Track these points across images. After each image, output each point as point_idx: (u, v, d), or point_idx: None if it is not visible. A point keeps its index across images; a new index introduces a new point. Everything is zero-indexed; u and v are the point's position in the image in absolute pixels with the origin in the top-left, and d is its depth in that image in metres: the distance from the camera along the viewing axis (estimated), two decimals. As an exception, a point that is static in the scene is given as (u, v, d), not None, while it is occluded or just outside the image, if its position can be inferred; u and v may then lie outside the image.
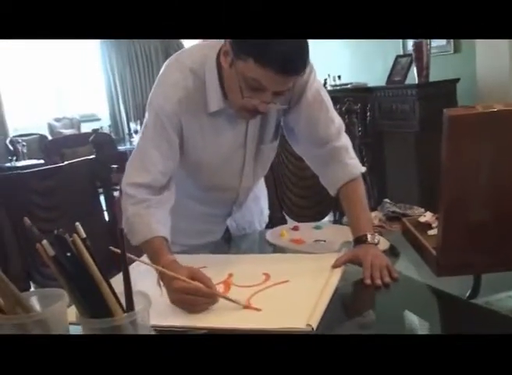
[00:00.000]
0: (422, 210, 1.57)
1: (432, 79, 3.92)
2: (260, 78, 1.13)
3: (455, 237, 1.04)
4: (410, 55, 4.15)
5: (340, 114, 2.11)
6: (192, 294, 1.05)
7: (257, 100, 1.18)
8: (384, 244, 1.33)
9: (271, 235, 1.51)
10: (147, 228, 1.22)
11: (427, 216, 1.42)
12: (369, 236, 1.25)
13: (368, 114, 4.13)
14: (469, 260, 1.06)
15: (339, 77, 5.35)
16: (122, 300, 0.81)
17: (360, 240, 1.26)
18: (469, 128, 0.97)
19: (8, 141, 7.79)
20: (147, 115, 1.32)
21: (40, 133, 8.07)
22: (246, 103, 1.20)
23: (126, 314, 0.78)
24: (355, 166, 1.39)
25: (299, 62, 1.15)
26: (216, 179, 1.44)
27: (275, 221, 1.83)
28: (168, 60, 1.35)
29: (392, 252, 1.34)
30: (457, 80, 3.90)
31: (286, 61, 1.11)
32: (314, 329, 0.92)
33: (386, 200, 1.70)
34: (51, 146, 6.42)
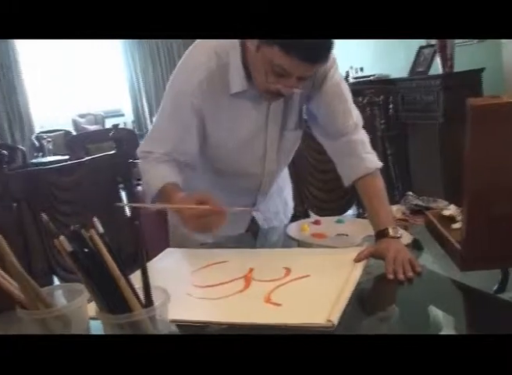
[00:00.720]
0: (446, 203, 1.54)
1: (456, 69, 3.85)
2: (284, 65, 1.15)
3: (480, 230, 1.01)
4: (433, 45, 4.08)
5: (362, 106, 2.09)
6: (204, 216, 1.13)
7: (281, 85, 1.20)
8: (407, 237, 1.31)
9: (292, 229, 1.50)
10: (159, 179, 1.29)
11: (451, 210, 1.39)
12: (391, 229, 1.23)
13: (391, 106, 4.08)
14: (494, 254, 1.03)
15: (362, 69, 5.30)
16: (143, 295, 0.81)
17: (382, 234, 1.24)
18: (493, 118, 0.94)
19: (34, 138, 7.92)
20: (165, 95, 1.35)
21: (66, 129, 8.19)
22: (270, 86, 1.22)
23: (144, 309, 0.78)
24: (371, 160, 1.38)
25: (324, 50, 1.17)
26: (238, 164, 1.44)
27: (297, 215, 1.82)
28: (195, 42, 1.36)
29: (416, 246, 1.32)
30: (482, 69, 3.81)
31: (311, 49, 1.13)
32: (335, 324, 0.91)
33: (409, 193, 1.67)
34: (75, 142, 6.50)
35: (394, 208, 1.55)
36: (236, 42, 1.27)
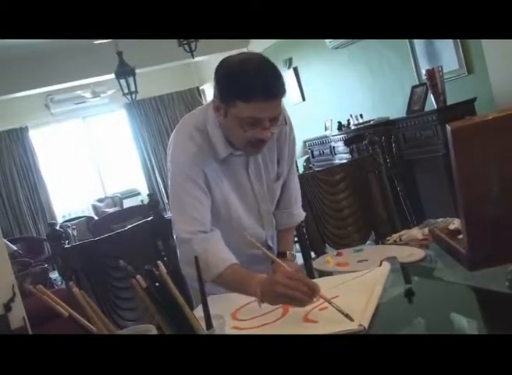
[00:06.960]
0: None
1: (450, 102, 4.04)
2: (253, 113, 1.36)
3: (478, 232, 1.16)
4: (424, 84, 4.31)
5: (364, 147, 2.28)
6: (296, 290, 1.21)
7: (258, 130, 1.39)
8: (419, 254, 1.47)
9: (318, 263, 1.66)
10: (220, 260, 1.43)
11: (456, 224, 1.53)
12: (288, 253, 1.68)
13: (394, 145, 4.27)
14: (496, 252, 1.17)
15: (361, 116, 5.54)
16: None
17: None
18: (470, 136, 1.11)
19: (58, 228, 8.21)
20: (171, 174, 1.53)
21: (86, 215, 8.50)
22: (249, 137, 1.41)
23: (207, 331, 0.93)
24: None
25: (278, 84, 1.37)
26: (242, 220, 1.61)
27: (319, 253, 1.98)
28: (175, 127, 1.59)
29: (428, 259, 1.46)
30: (474, 99, 4.00)
31: (268, 87, 1.34)
32: (366, 328, 1.06)
33: (430, 220, 1.80)
34: (100, 224, 6.75)
35: (414, 230, 1.70)
36: (210, 115, 1.49)
